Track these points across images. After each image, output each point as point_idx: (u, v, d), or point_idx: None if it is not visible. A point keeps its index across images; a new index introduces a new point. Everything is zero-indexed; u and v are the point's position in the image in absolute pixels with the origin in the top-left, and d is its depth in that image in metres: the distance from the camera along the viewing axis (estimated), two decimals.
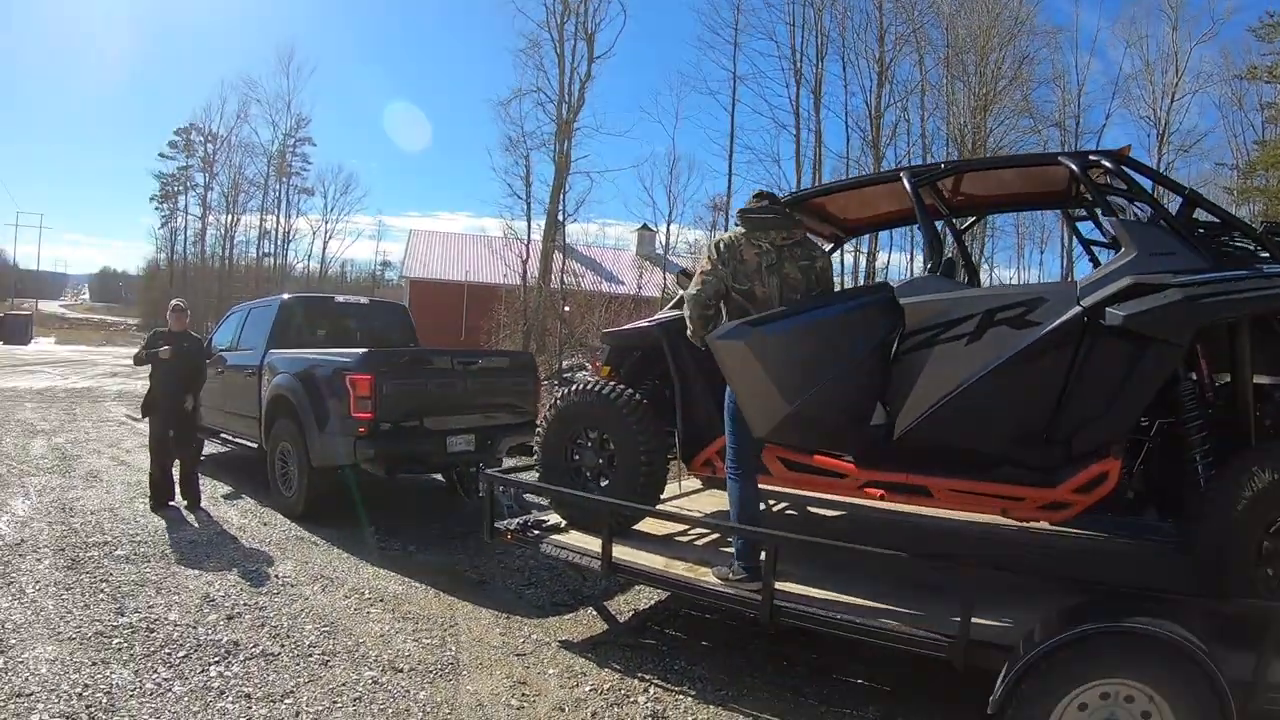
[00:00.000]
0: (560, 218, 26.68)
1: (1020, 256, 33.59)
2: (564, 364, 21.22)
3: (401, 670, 3.87)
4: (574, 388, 4.63)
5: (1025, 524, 4.16)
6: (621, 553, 4.06)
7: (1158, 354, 3.15)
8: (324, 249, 47.38)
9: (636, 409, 4.36)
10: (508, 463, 6.46)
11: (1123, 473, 3.40)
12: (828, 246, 5.39)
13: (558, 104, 25.98)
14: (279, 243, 44.83)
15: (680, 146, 58.55)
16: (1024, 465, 3.47)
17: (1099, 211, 3.55)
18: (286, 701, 3.50)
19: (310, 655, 4.00)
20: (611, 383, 4.52)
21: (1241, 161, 24.61)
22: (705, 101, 59.74)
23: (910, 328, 3.61)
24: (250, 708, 3.43)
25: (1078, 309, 3.27)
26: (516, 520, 4.66)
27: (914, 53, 27.19)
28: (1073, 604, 2.85)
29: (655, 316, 4.66)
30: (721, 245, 3.81)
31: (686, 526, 4.61)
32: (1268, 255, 3.30)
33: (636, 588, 5.05)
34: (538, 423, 7.37)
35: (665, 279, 30.86)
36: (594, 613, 4.86)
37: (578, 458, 4.62)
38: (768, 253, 3.71)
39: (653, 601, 5.00)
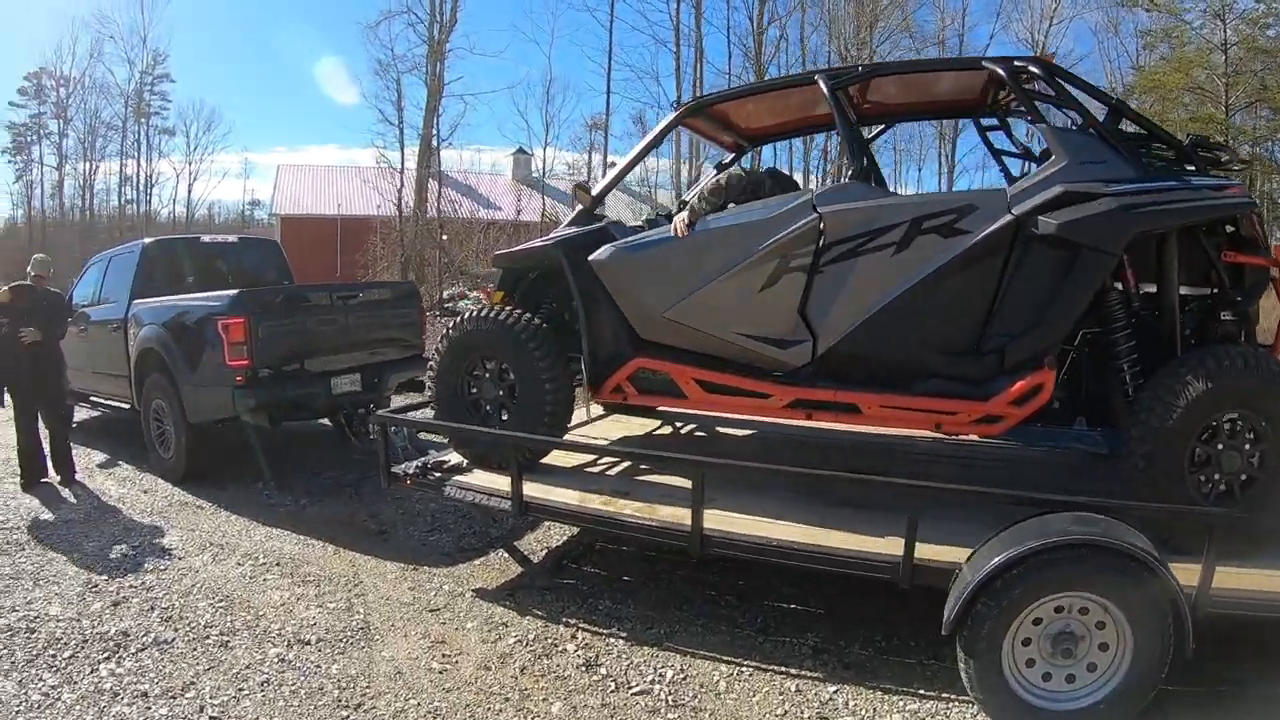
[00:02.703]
0: (435, 143, 25.24)
1: (897, 174, 34.18)
2: (445, 294, 20.36)
3: (309, 643, 3.49)
4: (467, 315, 4.21)
5: (945, 438, 4.10)
6: (533, 490, 3.76)
7: (1090, 263, 3.11)
8: (189, 192, 43.87)
9: (537, 334, 4.01)
10: (397, 401, 6.03)
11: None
12: (729, 156, 5.16)
13: (429, 24, 24.23)
14: (141, 189, 40.85)
15: (557, 67, 56.25)
16: (956, 379, 3.40)
17: (1027, 118, 3.43)
18: (188, 695, 3.09)
19: (207, 637, 3.56)
20: (507, 308, 4.13)
21: (1117, 86, 25.65)
22: (582, 19, 57.43)
23: (833, 237, 3.43)
24: (149, 708, 3.01)
25: (1009, 217, 3.19)
26: (415, 463, 4.25)
27: None
28: (1020, 518, 2.77)
29: (553, 234, 4.26)
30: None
31: (596, 457, 4.37)
32: (1192, 168, 3.28)
33: (546, 525, 4.81)
34: (427, 356, 7.03)
35: (545, 203, 30.15)
36: (505, 555, 4.58)
37: (475, 391, 4.25)
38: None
39: (565, 538, 4.75)
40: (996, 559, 2.62)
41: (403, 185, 23.96)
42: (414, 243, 23.56)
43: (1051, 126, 3.37)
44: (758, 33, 26.35)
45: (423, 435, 5.11)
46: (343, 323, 6.21)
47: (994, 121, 4.43)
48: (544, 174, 34.39)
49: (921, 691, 3.06)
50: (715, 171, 5.30)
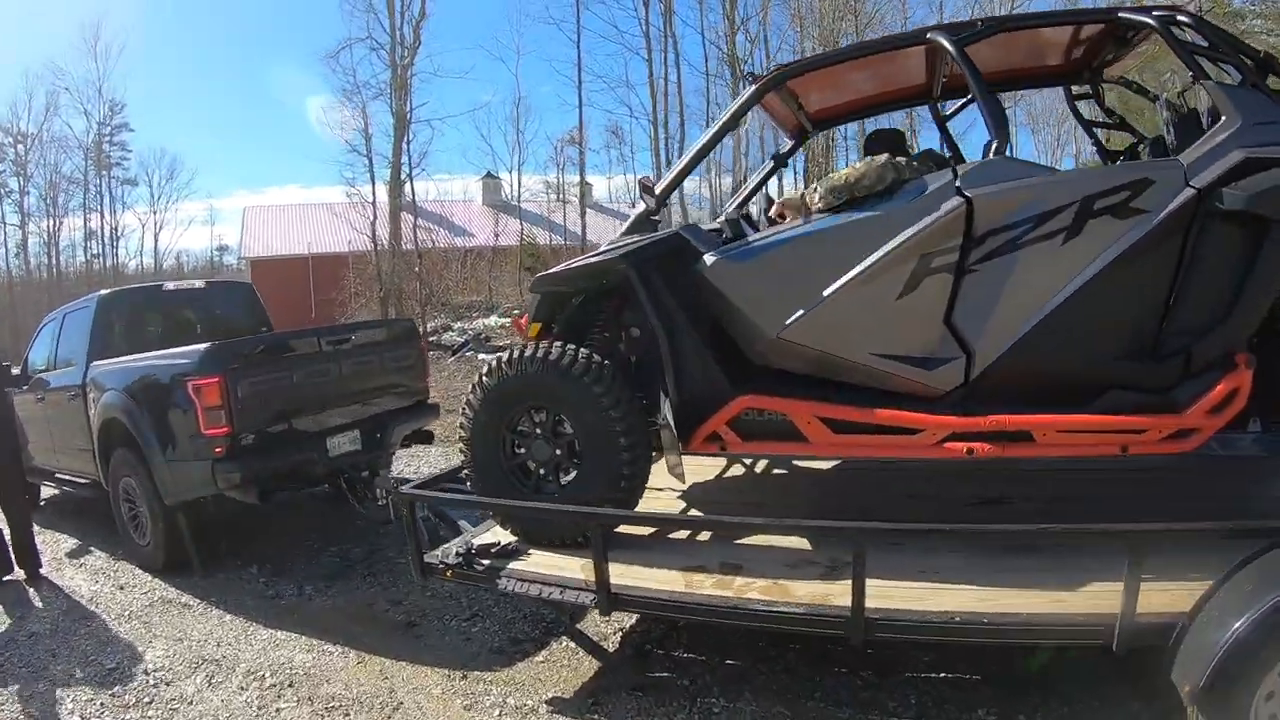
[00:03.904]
0: (408, 171, 24.34)
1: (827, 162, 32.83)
2: (429, 326, 19.45)
3: None
4: (507, 357, 3.40)
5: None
6: (614, 573, 2.95)
7: None
8: (156, 242, 42.38)
9: (603, 375, 3.22)
10: (407, 460, 5.14)
11: None
12: (788, 145, 4.49)
13: (391, 49, 23.32)
14: (107, 242, 39.70)
15: (524, 84, 55.24)
16: (1142, 389, 2.79)
17: (1189, 74, 2.87)
18: None
19: None
20: (560, 345, 3.33)
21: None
22: (549, 32, 56.80)
23: (986, 226, 2.78)
24: None
25: (1190, 191, 2.68)
26: (453, 547, 3.43)
27: None
28: (1261, 549, 2.32)
29: (611, 245, 3.48)
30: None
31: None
32: None
33: None
34: (433, 402, 6.18)
35: (521, 227, 29.39)
36: (571, 646, 3.74)
37: (522, 451, 3.45)
38: None
39: (637, 615, 3.89)
40: (1261, 607, 2.18)
41: (375, 217, 23.03)
42: (391, 276, 22.62)
43: (1219, 84, 2.82)
44: (731, 33, 25.81)
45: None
46: (335, 372, 5.35)
47: (1085, 90, 3.98)
48: (518, 198, 33.68)
49: None
50: (773, 163, 4.61)
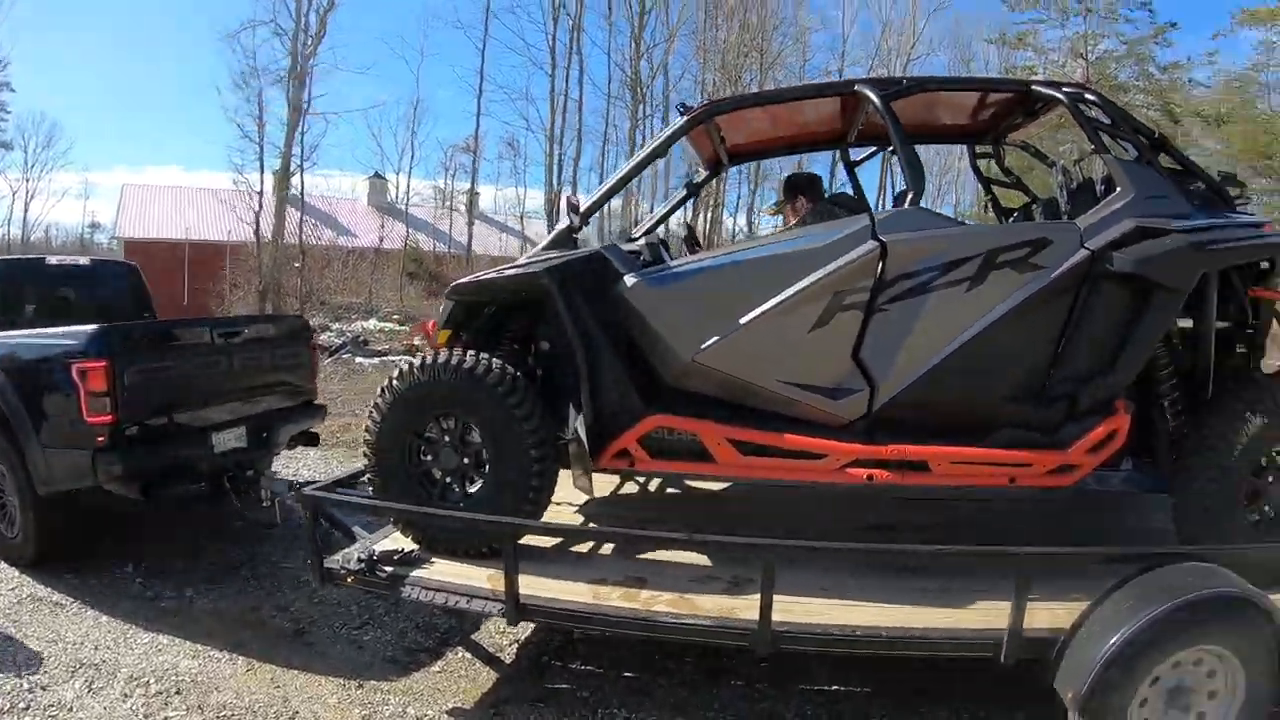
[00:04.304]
0: (299, 163, 23.33)
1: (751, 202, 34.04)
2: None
3: None
4: (420, 363, 3.36)
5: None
6: (523, 586, 2.93)
7: (1163, 301, 2.98)
8: (25, 212, 39.19)
9: (517, 386, 3.23)
10: (285, 462, 4.89)
11: None
12: (702, 174, 4.66)
13: (294, 36, 22.32)
14: None
15: (425, 86, 54.05)
16: (1030, 427, 3.08)
17: (1089, 146, 3.27)
18: None
19: None
20: (475, 355, 3.32)
21: None
22: (456, 36, 55.94)
23: (897, 271, 3.00)
24: None
25: (1085, 252, 2.99)
26: (354, 553, 3.33)
27: None
28: (1135, 571, 2.65)
29: (530, 258, 3.51)
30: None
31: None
32: (1224, 205, 3.24)
33: None
34: (320, 403, 5.94)
35: (407, 231, 28.88)
36: (468, 656, 3.70)
37: (429, 458, 3.41)
38: None
39: (532, 627, 3.86)
40: (1136, 622, 2.48)
41: (261, 208, 21.93)
42: (272, 270, 21.58)
43: (1117, 159, 3.17)
44: (635, 58, 26.24)
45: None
46: (225, 365, 5.07)
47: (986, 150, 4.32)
48: (406, 202, 32.78)
49: None
50: (685, 191, 4.77)
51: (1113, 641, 2.47)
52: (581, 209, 3.45)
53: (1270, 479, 3.06)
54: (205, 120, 63.41)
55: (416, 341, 15.17)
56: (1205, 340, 3.16)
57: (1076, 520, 3.70)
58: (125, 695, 3.31)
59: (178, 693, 3.32)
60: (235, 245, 23.43)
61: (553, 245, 3.45)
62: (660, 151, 3.64)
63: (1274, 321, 3.38)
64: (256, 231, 21.89)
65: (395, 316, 21.78)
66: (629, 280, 3.23)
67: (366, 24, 52.76)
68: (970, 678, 3.24)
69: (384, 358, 14.61)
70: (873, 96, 3.23)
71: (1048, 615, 2.66)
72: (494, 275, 3.56)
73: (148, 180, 35.23)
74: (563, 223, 3.48)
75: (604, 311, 3.24)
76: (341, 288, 24.15)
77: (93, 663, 3.58)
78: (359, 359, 14.65)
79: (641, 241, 3.62)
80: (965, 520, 3.72)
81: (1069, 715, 2.55)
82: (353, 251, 25.70)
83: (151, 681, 3.41)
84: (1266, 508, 3.07)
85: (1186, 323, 3.20)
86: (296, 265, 21.86)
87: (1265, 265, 3.24)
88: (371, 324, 20.41)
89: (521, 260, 3.57)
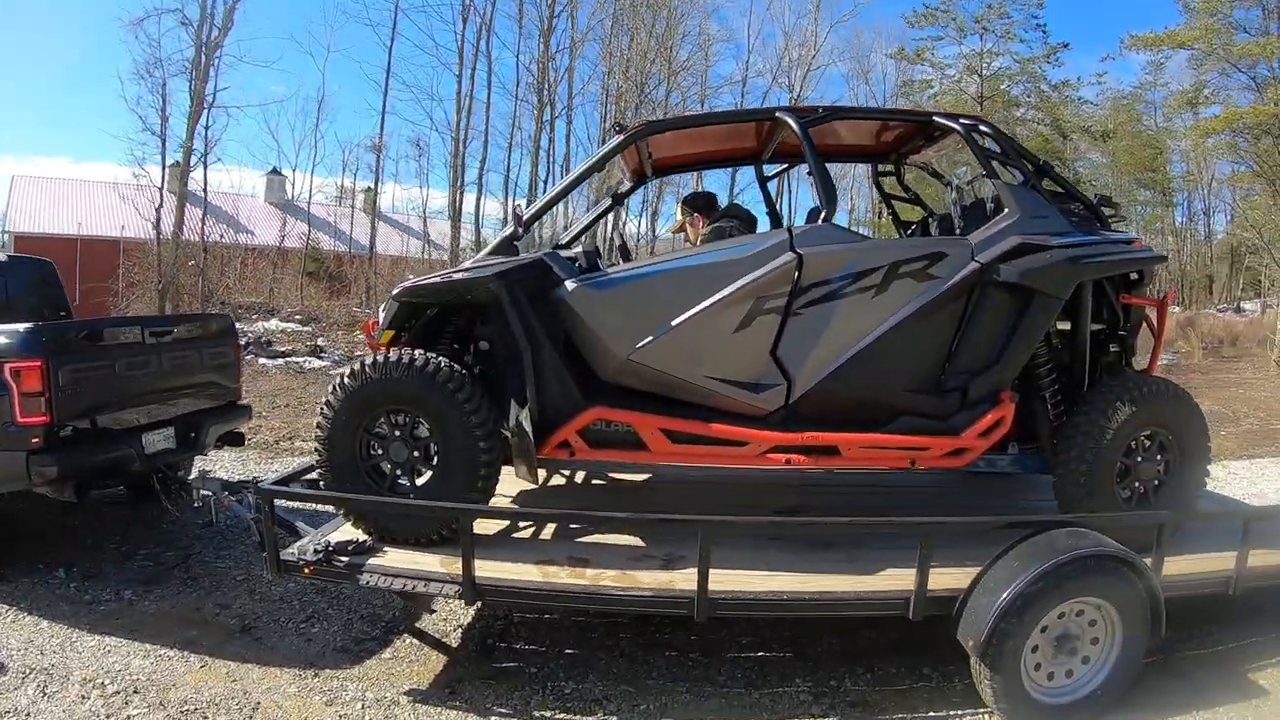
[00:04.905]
0: (201, 157, 22.29)
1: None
2: None
3: None
4: (370, 362, 3.54)
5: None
6: (476, 569, 3.15)
7: (1043, 307, 3.46)
8: None
9: (465, 383, 3.45)
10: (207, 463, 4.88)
11: None
12: (626, 185, 4.96)
13: (200, 26, 21.33)
14: None
15: (331, 82, 52.37)
16: (927, 415, 3.52)
17: (981, 172, 3.73)
18: None
19: None
20: (426, 354, 3.52)
21: None
22: (364, 33, 54.40)
23: (811, 279, 3.40)
24: None
25: (975, 264, 3.43)
26: (310, 545, 3.47)
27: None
28: (1021, 537, 3.08)
29: (475, 263, 3.73)
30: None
31: (514, 521, 3.90)
32: (1099, 223, 3.75)
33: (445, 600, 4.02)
34: (245, 403, 5.94)
35: (309, 230, 28.16)
36: (415, 643, 3.87)
37: (379, 451, 3.59)
38: None
39: (472, 613, 4.13)
40: (1024, 578, 2.89)
41: (162, 203, 20.91)
42: (172, 268, 20.62)
43: (1005, 183, 3.64)
44: (543, 62, 26.15)
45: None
46: (155, 365, 5.03)
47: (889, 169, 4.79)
48: (308, 200, 31.74)
49: (932, 714, 3.23)
50: (610, 201, 5.08)
51: (1005, 595, 2.87)
52: (525, 218, 3.69)
53: (1139, 459, 3.54)
54: (95, 109, 59.04)
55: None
56: (1081, 341, 3.67)
57: (960, 501, 4.21)
58: (82, 697, 3.32)
59: (136, 692, 3.35)
60: (130, 242, 22.28)
61: (495, 251, 3.67)
62: (598, 166, 3.94)
63: (1143, 324, 3.95)
64: (157, 227, 20.83)
65: (297, 317, 21.09)
66: (569, 285, 3.48)
67: (273, 18, 50.53)
68: (876, 641, 3.69)
69: (288, 359, 14.27)
70: (792, 123, 3.60)
71: (948, 579, 3.08)
72: (437, 279, 3.77)
73: (33, 171, 33.01)
74: (506, 230, 3.72)
75: (547, 313, 3.49)
76: (242, 287, 23.30)
77: (42, 668, 3.56)
78: (262, 360, 14.12)
79: (579, 249, 3.90)
80: (865, 505, 4.18)
81: (971, 661, 2.97)
82: (252, 250, 24.81)
83: (107, 683, 3.42)
84: (1137, 484, 3.56)
85: (1067, 325, 3.70)
86: (193, 264, 20.91)
87: (1135, 276, 3.79)
88: (274, 324, 19.75)
89: (467, 265, 3.78)
